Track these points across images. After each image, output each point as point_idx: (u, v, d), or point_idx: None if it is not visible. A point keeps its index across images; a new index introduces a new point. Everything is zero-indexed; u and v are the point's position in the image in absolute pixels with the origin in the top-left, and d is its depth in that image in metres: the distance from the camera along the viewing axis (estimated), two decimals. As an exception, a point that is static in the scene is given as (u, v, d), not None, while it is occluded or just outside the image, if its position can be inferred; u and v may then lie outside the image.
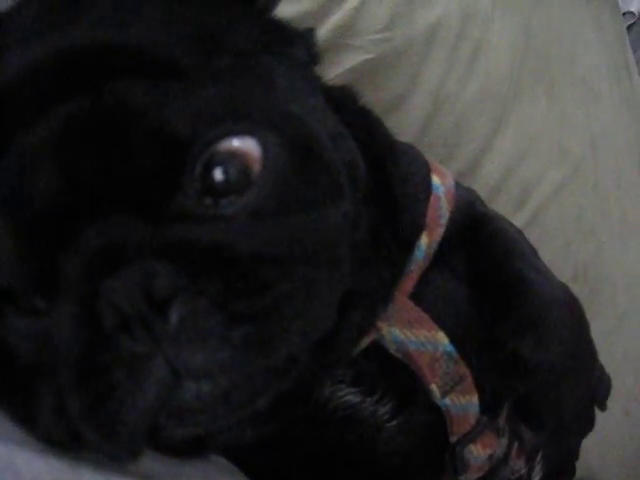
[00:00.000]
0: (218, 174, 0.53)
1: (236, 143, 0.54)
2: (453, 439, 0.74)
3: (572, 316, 0.77)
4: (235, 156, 0.53)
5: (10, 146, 0.52)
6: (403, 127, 1.02)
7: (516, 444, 0.87)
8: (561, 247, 1.22)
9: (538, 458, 0.93)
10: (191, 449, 0.62)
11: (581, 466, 1.05)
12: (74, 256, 0.51)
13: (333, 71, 0.99)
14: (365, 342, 0.69)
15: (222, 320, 0.50)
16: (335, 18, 1.00)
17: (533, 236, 0.85)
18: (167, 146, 0.52)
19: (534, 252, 0.81)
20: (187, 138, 0.52)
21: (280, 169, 0.55)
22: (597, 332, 0.82)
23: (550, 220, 1.23)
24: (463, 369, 0.72)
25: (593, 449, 1.11)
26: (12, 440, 0.55)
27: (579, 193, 1.26)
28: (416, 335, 0.69)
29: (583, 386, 0.78)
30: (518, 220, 1.12)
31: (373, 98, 0.79)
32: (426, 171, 0.77)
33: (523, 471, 0.91)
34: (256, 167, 0.54)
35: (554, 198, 1.23)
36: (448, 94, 1.12)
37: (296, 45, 0.66)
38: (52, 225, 0.51)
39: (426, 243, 0.72)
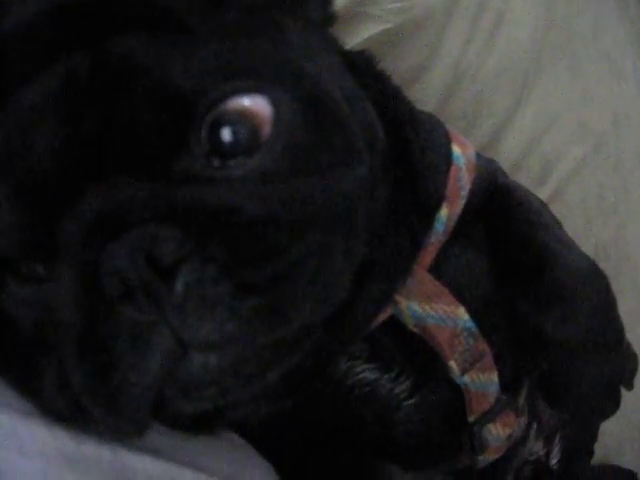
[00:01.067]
0: (226, 134, 0.50)
1: (245, 101, 0.51)
2: (472, 418, 0.72)
3: (598, 291, 0.74)
4: (244, 115, 0.51)
5: (7, 103, 0.50)
6: (422, 99, 0.99)
7: (535, 425, 0.85)
8: (582, 225, 1.19)
9: (556, 440, 0.91)
10: (202, 425, 0.59)
11: (598, 447, 1.04)
12: (75, 219, 0.48)
13: (351, 41, 0.96)
14: (382, 316, 0.66)
15: (231, 289, 0.47)
16: (354, -13, 0.98)
17: (553, 214, 0.82)
18: (172, 104, 0.49)
19: (558, 224, 0.79)
20: (193, 95, 0.49)
21: (292, 129, 0.52)
22: (619, 311, 0.79)
23: (571, 198, 1.20)
24: (483, 345, 0.70)
25: (611, 431, 1.10)
26: (17, 410, 0.53)
27: (600, 171, 1.23)
28: (435, 310, 0.67)
29: (609, 364, 0.75)
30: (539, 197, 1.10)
31: (391, 69, 0.76)
32: (447, 140, 0.74)
33: (541, 453, 0.90)
34: (266, 127, 0.51)
35: (575, 175, 1.20)
36: (468, 66, 1.09)
37: (311, 4, 0.63)
38: (52, 187, 0.49)
39: (446, 215, 0.69)
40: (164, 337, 0.48)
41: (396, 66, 0.99)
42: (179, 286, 0.47)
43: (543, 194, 1.16)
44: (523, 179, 1.13)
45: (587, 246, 1.17)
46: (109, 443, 0.54)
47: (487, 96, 1.11)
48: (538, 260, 0.72)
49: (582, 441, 1.00)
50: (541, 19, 1.17)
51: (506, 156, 1.13)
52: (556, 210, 1.04)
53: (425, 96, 1.05)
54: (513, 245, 0.73)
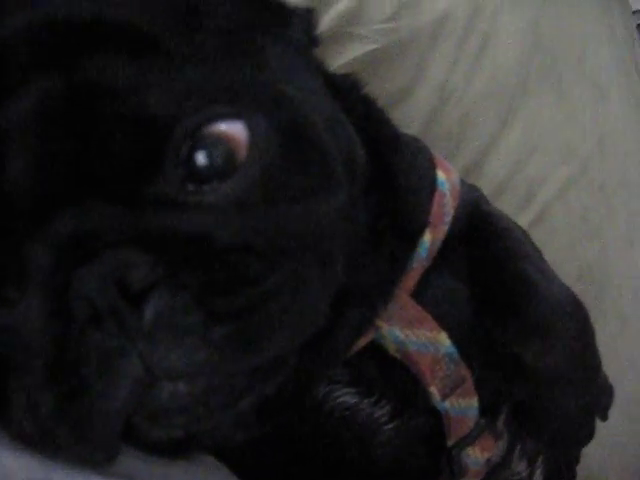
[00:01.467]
0: (201, 158, 0.50)
1: (221, 127, 0.51)
2: (450, 442, 0.71)
3: (577, 322, 0.74)
4: (220, 140, 0.50)
5: None
6: (407, 121, 1.00)
7: (518, 447, 0.85)
8: (566, 247, 1.20)
9: (539, 461, 0.91)
10: (177, 449, 0.59)
11: (582, 469, 1.04)
12: (45, 243, 0.48)
13: (336, 61, 0.96)
14: (363, 341, 0.66)
15: (202, 317, 0.47)
16: (340, 5, 0.97)
17: (538, 235, 0.83)
18: (147, 129, 0.48)
19: (539, 254, 0.79)
20: (169, 121, 0.49)
21: (268, 155, 0.52)
22: (601, 334, 0.79)
23: (555, 220, 1.20)
24: (464, 371, 0.70)
25: (594, 453, 1.09)
26: None
27: (585, 193, 1.23)
28: (417, 335, 0.67)
29: (585, 395, 0.76)
30: (523, 219, 1.11)
31: (377, 90, 0.76)
32: (431, 165, 0.74)
33: (524, 474, 0.89)
34: (242, 152, 0.51)
35: (560, 197, 1.20)
36: (454, 88, 1.09)
37: (294, 26, 0.63)
38: (23, 209, 0.48)
39: (429, 240, 0.69)
40: (133, 364, 0.47)
41: (381, 87, 1.00)
42: (149, 314, 0.46)
43: (527, 216, 1.16)
44: (508, 201, 1.14)
45: (571, 268, 1.18)
46: (81, 470, 0.53)
47: (472, 118, 1.11)
48: (518, 289, 0.72)
49: (564, 463, 0.99)
50: (527, 42, 1.17)
51: (491, 178, 1.13)
52: (540, 232, 1.05)
53: (410, 117, 1.05)
54: (493, 274, 0.73)
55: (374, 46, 1.01)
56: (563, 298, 0.74)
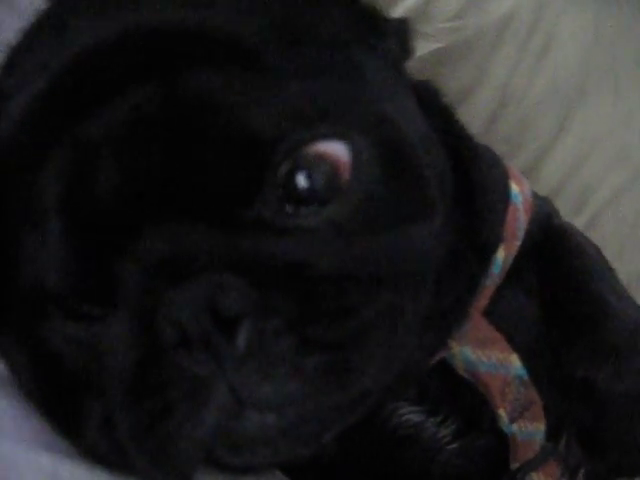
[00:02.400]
0: (302, 180, 0.48)
1: (324, 147, 0.48)
2: (514, 466, 0.69)
3: None
4: (322, 161, 0.48)
5: (64, 137, 0.47)
6: (467, 122, 0.97)
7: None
8: (615, 255, 1.17)
9: (580, 475, 0.90)
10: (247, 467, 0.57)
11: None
12: (134, 263, 0.46)
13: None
14: (433, 360, 0.64)
15: (295, 346, 0.45)
16: (408, 2, 0.95)
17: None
18: (249, 148, 0.46)
19: (613, 272, 0.76)
20: (272, 141, 0.47)
21: (371, 179, 0.49)
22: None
23: (606, 227, 1.18)
24: (533, 394, 0.67)
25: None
26: (58, 450, 0.51)
27: (637, 200, 1.21)
28: (488, 356, 0.64)
29: None
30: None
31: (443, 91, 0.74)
32: (505, 178, 0.72)
33: (566, 487, 0.88)
34: (344, 175, 0.48)
35: (612, 203, 1.18)
36: (515, 89, 1.08)
37: (389, 37, 0.60)
38: (111, 227, 0.46)
39: (503, 257, 0.67)
40: (221, 392, 0.45)
41: (443, 86, 0.98)
42: (241, 340, 0.44)
43: (580, 221, 1.14)
44: (561, 206, 1.11)
45: (620, 275, 1.16)
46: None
47: (531, 120, 1.10)
48: (591, 310, 0.70)
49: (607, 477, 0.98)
50: (588, 42, 1.15)
51: (546, 182, 1.11)
52: (591, 237, 1.02)
53: (471, 118, 1.02)
54: (566, 292, 0.71)
55: (439, 45, 1.00)
56: (637, 319, 0.71)
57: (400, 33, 0.62)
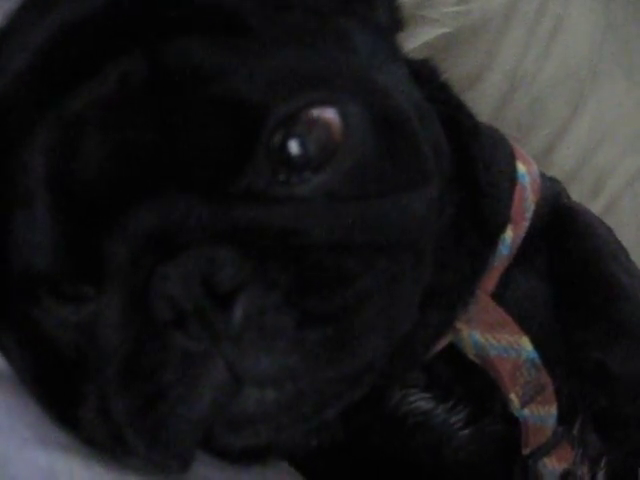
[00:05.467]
0: (294, 147, 0.47)
1: (316, 113, 0.47)
2: (526, 451, 0.68)
3: None
4: (314, 127, 0.47)
5: (48, 113, 0.47)
6: (477, 107, 0.96)
7: (581, 450, 0.82)
8: (634, 237, 1.15)
9: (602, 464, 0.88)
10: (251, 456, 0.56)
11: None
12: (124, 238, 0.45)
13: (407, 45, 0.93)
14: (441, 344, 0.63)
15: (295, 319, 0.44)
16: (412, -12, 0.94)
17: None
18: (238, 116, 0.45)
19: (625, 252, 0.75)
20: (261, 108, 0.46)
21: (362, 146, 0.48)
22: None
23: (624, 210, 1.17)
24: (545, 378, 0.66)
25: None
26: (54, 444, 0.50)
27: (654, 183, 1.20)
28: (498, 340, 0.63)
29: None
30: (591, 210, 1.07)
31: (447, 75, 0.73)
32: (511, 157, 0.71)
33: (587, 477, 0.86)
34: (336, 140, 0.48)
35: (629, 187, 1.17)
36: (525, 73, 1.06)
37: (378, 8, 0.59)
38: (100, 202, 0.45)
39: (511, 237, 0.66)
40: (217, 369, 0.44)
41: (452, 72, 0.96)
42: (237, 315, 0.43)
43: (596, 206, 1.13)
44: (576, 190, 1.10)
45: (638, 261, 1.14)
46: (153, 478, 0.51)
47: (543, 105, 1.08)
48: (603, 291, 0.68)
49: (629, 466, 0.96)
50: (600, 25, 1.14)
51: (560, 168, 1.10)
52: (609, 222, 1.01)
53: (480, 104, 1.01)
54: (577, 273, 0.69)
55: (445, 30, 0.99)
56: None
57: (390, 5, 0.61)
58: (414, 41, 0.96)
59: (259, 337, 0.44)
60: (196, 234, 0.45)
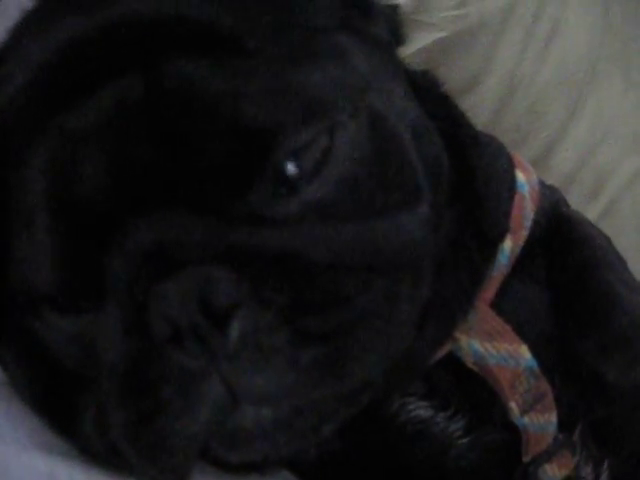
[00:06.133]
0: (292, 168, 0.47)
1: (316, 135, 0.48)
2: (527, 458, 0.68)
3: None
4: (312, 149, 0.48)
5: (48, 130, 0.47)
6: (475, 111, 0.96)
7: (584, 452, 0.82)
8: (634, 242, 1.15)
9: (605, 465, 0.88)
10: (249, 466, 0.56)
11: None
12: (123, 256, 0.46)
13: (404, 50, 0.93)
14: (440, 353, 0.63)
15: (290, 338, 0.44)
16: (408, -8, 0.94)
17: (605, 229, 0.79)
18: (244, 142, 0.45)
19: (623, 263, 0.75)
20: (270, 136, 0.46)
21: (351, 163, 0.49)
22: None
23: (623, 213, 1.16)
24: (544, 386, 0.66)
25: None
26: (55, 451, 0.51)
27: (654, 185, 1.19)
28: (497, 349, 0.63)
29: None
30: (591, 212, 1.08)
31: (444, 80, 0.73)
32: (510, 167, 0.71)
33: (590, 478, 0.86)
34: (333, 161, 0.48)
35: (628, 189, 1.17)
36: (523, 77, 1.06)
37: (379, 23, 0.59)
38: (98, 219, 0.46)
39: (510, 247, 0.66)
40: (214, 387, 0.45)
41: (449, 76, 0.96)
42: (234, 333, 0.44)
43: (596, 208, 1.14)
44: (576, 192, 1.11)
45: (638, 264, 1.14)
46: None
47: (541, 108, 1.08)
48: (600, 302, 0.68)
49: (633, 468, 0.96)
50: (597, 27, 1.14)
51: (558, 170, 1.10)
52: (608, 225, 1.01)
53: (478, 107, 1.02)
54: (574, 283, 0.69)
55: (442, 34, 0.98)
56: None
57: (391, 19, 0.61)
58: (411, 46, 0.95)
59: (255, 356, 0.44)
60: (194, 252, 0.45)
